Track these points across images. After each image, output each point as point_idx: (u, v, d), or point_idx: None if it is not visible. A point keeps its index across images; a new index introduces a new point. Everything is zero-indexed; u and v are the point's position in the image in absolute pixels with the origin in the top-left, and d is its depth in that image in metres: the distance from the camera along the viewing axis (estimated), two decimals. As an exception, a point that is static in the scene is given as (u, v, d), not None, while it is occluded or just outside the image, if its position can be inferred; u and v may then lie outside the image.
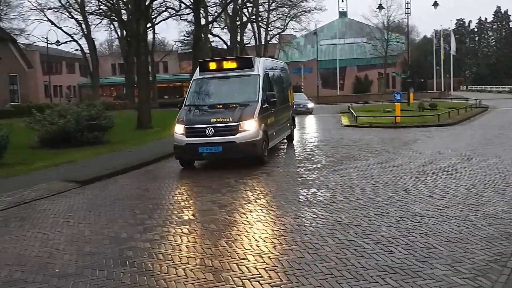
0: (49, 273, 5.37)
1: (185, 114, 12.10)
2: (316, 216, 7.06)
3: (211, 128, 11.28)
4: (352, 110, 29.63)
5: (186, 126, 11.64)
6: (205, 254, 5.69)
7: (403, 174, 10.14)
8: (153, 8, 36.68)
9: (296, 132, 21.36)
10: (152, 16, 37.88)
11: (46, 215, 8.11)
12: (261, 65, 12.97)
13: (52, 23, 47.24)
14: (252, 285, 4.72)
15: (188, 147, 11.55)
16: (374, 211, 7.19)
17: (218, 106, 12.42)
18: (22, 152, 15.59)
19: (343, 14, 74.37)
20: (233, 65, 12.92)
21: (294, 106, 32.23)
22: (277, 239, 6.07)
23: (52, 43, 49.32)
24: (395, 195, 8.20)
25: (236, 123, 11.28)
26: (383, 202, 7.73)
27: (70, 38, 48.70)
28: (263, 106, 12.13)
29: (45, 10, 47.49)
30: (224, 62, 13.06)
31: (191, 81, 13.35)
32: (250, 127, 11.38)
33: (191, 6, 33.47)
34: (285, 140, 16.42)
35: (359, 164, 11.64)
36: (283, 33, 59.74)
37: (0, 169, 12.72)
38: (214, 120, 11.50)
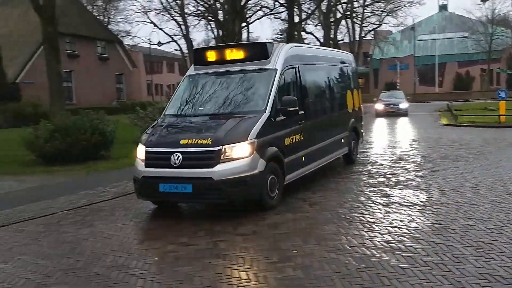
0: (148, 261, 5.73)
1: (153, 129, 8.45)
2: (411, 219, 6.83)
3: (178, 154, 7.37)
4: (451, 108, 28.21)
5: (146, 149, 7.86)
6: (287, 250, 5.75)
7: (507, 177, 9.48)
8: (248, 8, 37.48)
9: (386, 131, 20.71)
10: (247, 16, 38.71)
11: (147, 206, 8.61)
12: (281, 55, 8.79)
13: (155, 25, 50.04)
14: (342, 284, 4.69)
15: (145, 182, 7.75)
16: (474, 215, 6.82)
17: (204, 119, 8.40)
18: (127, 146, 16.63)
19: (443, 7, 70.86)
20: (239, 55, 8.92)
21: (383, 107, 30.25)
22: (370, 240, 5.96)
23: (154, 44, 52.23)
24: (498, 199, 7.71)
25: (216, 148, 7.27)
26: (484, 206, 7.30)
27: (170, 39, 51.10)
28: (276, 119, 8.09)
29: (148, 13, 50.34)
30: (227, 51, 9.09)
31: (182, 79, 9.63)
32: (241, 154, 7.35)
33: (285, 4, 33.77)
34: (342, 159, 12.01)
35: (459, 165, 11.07)
36: (378, 28, 58.19)
37: (108, 162, 13.87)
38: (186, 141, 7.52)
